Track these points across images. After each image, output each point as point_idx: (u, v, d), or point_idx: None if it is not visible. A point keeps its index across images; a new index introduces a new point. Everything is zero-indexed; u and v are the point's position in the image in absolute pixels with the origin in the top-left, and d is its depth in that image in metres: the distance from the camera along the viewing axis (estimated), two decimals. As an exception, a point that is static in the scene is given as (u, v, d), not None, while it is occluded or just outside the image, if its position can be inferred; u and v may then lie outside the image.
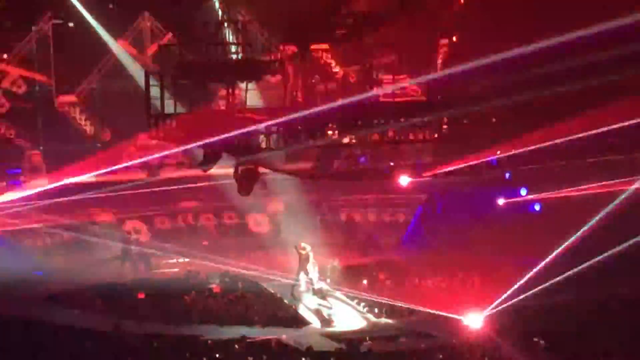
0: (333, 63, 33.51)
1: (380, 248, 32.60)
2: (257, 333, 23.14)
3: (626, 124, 19.96)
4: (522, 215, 32.41)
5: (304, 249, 26.49)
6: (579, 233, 27.93)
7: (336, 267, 28.33)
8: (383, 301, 25.57)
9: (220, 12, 21.33)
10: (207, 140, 20.47)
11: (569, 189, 29.95)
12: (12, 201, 30.50)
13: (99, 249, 31.31)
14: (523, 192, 33.09)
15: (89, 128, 34.29)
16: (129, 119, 31.09)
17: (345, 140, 20.57)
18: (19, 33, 33.21)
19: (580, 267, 26.78)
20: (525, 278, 27.15)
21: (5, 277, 26.82)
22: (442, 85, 19.12)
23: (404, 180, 26.42)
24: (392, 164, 29.01)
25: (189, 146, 26.64)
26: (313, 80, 19.24)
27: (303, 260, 26.42)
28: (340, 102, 25.01)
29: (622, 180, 28.68)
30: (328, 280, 27.12)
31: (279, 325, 23.97)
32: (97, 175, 32.72)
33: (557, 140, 20.80)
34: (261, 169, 23.19)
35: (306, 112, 19.10)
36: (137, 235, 31.92)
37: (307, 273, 26.31)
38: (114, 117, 33.72)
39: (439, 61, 20.13)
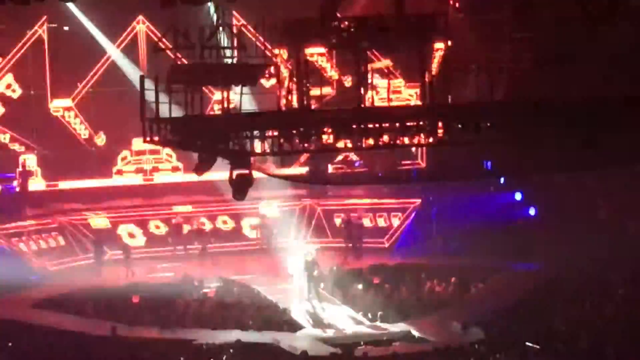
0: (328, 67, 33.59)
1: (375, 253, 32.56)
2: (252, 337, 23.11)
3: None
4: (516, 220, 32.49)
5: (310, 254, 26.57)
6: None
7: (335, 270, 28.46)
8: (377, 305, 25.55)
9: (215, 16, 21.30)
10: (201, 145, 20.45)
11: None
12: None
13: (93, 253, 31.29)
14: (518, 196, 33.19)
15: (83, 132, 34.18)
16: (124, 123, 31.09)
17: (340, 144, 20.51)
18: (14, 37, 33.11)
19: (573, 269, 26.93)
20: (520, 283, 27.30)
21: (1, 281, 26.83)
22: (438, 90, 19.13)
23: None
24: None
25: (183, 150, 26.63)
26: (308, 84, 19.19)
27: (309, 265, 26.37)
28: (335, 106, 25.13)
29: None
30: (322, 285, 27.09)
31: (273, 330, 23.94)
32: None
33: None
34: (256, 174, 23.11)
35: (301, 116, 19.07)
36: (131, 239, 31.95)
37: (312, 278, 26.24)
38: (109, 121, 33.64)
39: (435, 66, 20.13)
